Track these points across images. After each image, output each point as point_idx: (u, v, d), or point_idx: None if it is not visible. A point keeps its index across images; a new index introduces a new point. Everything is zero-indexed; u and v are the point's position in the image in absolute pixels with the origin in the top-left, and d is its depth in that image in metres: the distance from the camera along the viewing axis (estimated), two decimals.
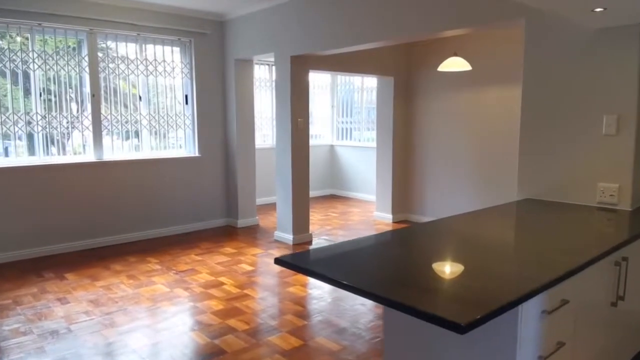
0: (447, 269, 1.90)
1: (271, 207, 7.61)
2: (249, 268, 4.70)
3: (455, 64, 5.17)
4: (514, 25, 3.64)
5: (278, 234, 5.68)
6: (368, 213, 7.16)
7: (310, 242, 5.59)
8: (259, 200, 7.57)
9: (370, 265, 1.94)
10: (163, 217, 5.88)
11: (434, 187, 6.37)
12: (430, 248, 2.24)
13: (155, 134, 5.87)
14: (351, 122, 8.68)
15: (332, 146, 8.73)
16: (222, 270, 4.63)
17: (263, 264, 4.84)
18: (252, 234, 5.98)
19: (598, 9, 2.56)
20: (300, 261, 1.94)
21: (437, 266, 1.92)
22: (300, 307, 3.75)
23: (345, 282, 1.65)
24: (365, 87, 8.39)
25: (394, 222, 6.56)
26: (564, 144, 3.23)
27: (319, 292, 4.07)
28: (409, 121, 6.57)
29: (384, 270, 1.88)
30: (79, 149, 5.38)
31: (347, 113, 8.74)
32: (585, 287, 2.06)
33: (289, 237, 5.52)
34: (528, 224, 2.77)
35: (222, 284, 4.26)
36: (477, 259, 2.03)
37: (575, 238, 2.39)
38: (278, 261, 1.96)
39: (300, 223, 5.56)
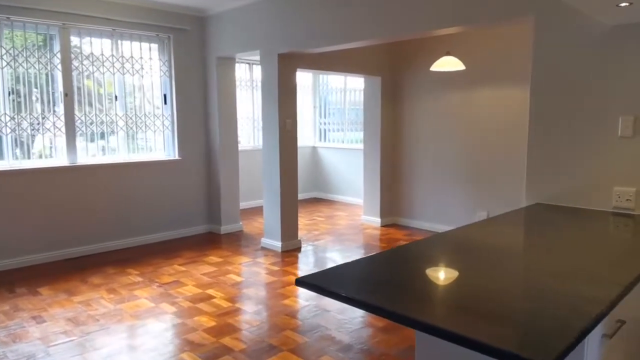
0: (492, 288, 1.69)
1: (252, 211, 7.34)
2: (238, 279, 4.42)
3: (448, 64, 5.01)
4: (521, 22, 3.48)
5: (265, 241, 5.41)
6: (355, 217, 6.95)
7: (299, 249, 5.34)
8: (240, 205, 7.27)
9: (405, 287, 1.72)
10: (141, 224, 5.54)
11: (423, 189, 6.21)
12: (462, 264, 2.02)
13: (133, 136, 5.53)
14: (333, 124, 8.46)
15: (314, 148, 8.50)
16: (209, 281, 4.35)
17: (252, 274, 4.57)
18: (236, 241, 5.69)
19: (623, 4, 2.40)
20: (326, 282, 1.70)
21: (479, 285, 1.71)
22: (298, 322, 3.50)
23: (400, 313, 1.41)
24: (348, 87, 8.19)
25: (382, 226, 6.37)
26: (577, 146, 3.09)
27: (315, 303, 3.83)
28: (398, 122, 6.40)
29: (424, 292, 1.65)
30: (50, 152, 5.00)
31: (329, 114, 8.52)
32: (636, 305, 1.89)
33: (277, 244, 5.26)
34: (550, 232, 2.58)
35: (211, 297, 3.98)
36: (518, 275, 1.83)
37: (609, 248, 2.23)
38: (301, 283, 1.72)
39: (289, 229, 5.31)
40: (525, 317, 1.41)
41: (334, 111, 8.46)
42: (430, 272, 1.88)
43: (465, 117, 5.74)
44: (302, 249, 5.35)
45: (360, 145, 7.87)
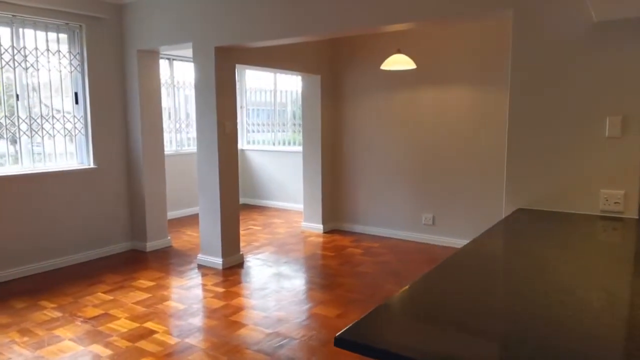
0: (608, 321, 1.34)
1: (178, 222, 6.65)
2: (179, 306, 3.82)
3: (399, 62, 4.73)
4: (499, 17, 3.27)
5: (203, 258, 4.81)
6: (294, 224, 6.51)
7: (241, 265, 4.81)
8: None
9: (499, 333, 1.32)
10: (52, 245, 4.70)
11: (367, 193, 5.92)
12: (522, 295, 1.66)
13: (38, 142, 4.68)
14: (256, 124, 7.96)
15: (242, 151, 7.92)
16: (144, 312, 3.71)
17: (195, 298, 3.98)
18: (167, 259, 5.03)
19: None
20: (385, 341, 1.27)
21: (580, 327, 1.36)
22: (265, 357, 3.01)
23: None
24: (278, 88, 7.72)
25: (325, 233, 6.00)
26: (561, 148, 2.92)
27: (277, 330, 3.36)
28: (339, 123, 6.04)
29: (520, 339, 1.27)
30: None
31: (257, 115, 8.00)
32: None
33: (217, 260, 4.69)
34: (559, 243, 2.33)
35: (152, 331, 3.36)
36: (608, 306, 1.51)
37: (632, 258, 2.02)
38: (344, 344, 1.27)
39: (230, 243, 4.76)
40: None
41: (266, 112, 7.97)
42: (495, 307, 1.50)
43: (411, 117, 5.52)
44: (245, 265, 4.83)
45: (291, 148, 7.48)
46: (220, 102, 4.51)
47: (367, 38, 5.67)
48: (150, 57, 5.17)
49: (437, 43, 5.24)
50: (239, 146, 7.93)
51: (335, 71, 5.99)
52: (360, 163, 5.93)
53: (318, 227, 6.05)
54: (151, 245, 5.32)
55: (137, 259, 5.05)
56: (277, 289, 4.17)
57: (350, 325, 1.33)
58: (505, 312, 1.49)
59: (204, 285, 4.27)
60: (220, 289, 4.16)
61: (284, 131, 7.74)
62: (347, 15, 3.64)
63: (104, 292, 4.10)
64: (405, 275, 4.48)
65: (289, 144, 7.66)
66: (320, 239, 5.75)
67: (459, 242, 5.30)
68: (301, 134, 7.44)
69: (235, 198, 4.79)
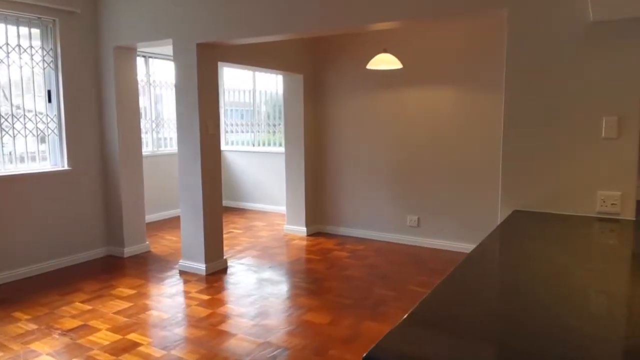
0: None
1: (154, 226, 6.43)
2: (164, 315, 3.65)
3: (385, 61, 4.65)
4: (493, 16, 3.20)
5: (185, 264, 4.63)
6: (276, 227, 6.37)
7: (225, 270, 4.66)
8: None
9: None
10: (24, 251, 4.46)
11: (351, 195, 5.82)
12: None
13: (7, 143, 4.43)
14: (238, 125, 7.79)
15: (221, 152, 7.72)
16: (127, 322, 3.52)
17: (179, 307, 3.81)
18: (146, 266, 4.83)
19: None
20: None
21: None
22: None
23: None
24: (258, 88, 7.56)
25: (308, 236, 5.88)
26: (557, 149, 2.89)
27: (269, 339, 3.23)
28: (323, 123, 5.93)
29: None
30: None
31: (231, 115, 7.82)
32: None
33: (200, 266, 4.52)
34: (568, 246, 2.27)
35: (137, 344, 3.19)
36: None
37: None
38: None
39: (214, 248, 4.60)
40: None
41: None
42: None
43: (396, 118, 5.45)
44: (229, 270, 4.67)
45: (271, 148, 7.36)
46: (202, 100, 4.35)
47: (353, 37, 5.58)
48: (128, 54, 4.96)
49: (424, 43, 5.18)
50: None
51: (318, 70, 5.88)
52: (344, 164, 5.84)
53: (301, 230, 5.93)
54: (129, 250, 5.11)
55: (115, 265, 4.84)
56: (264, 295, 4.04)
57: (379, 341, 1.22)
58: (515, 319, 1.40)
59: (187, 292, 4.11)
60: (205, 296, 4.00)
61: (258, 132, 7.60)
62: (335, 13, 3.54)
63: (82, 302, 3.90)
64: (393, 278, 4.40)
65: (264, 144, 7.54)
66: (304, 242, 5.63)
67: (444, 244, 5.27)
68: (275, 134, 7.35)
69: (219, 200, 4.63)
